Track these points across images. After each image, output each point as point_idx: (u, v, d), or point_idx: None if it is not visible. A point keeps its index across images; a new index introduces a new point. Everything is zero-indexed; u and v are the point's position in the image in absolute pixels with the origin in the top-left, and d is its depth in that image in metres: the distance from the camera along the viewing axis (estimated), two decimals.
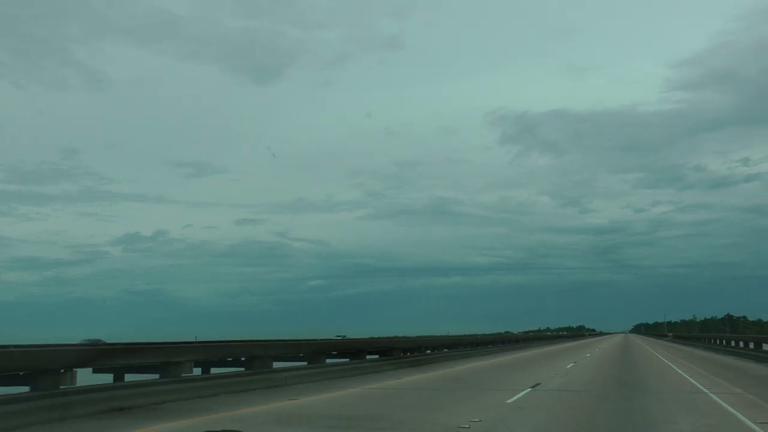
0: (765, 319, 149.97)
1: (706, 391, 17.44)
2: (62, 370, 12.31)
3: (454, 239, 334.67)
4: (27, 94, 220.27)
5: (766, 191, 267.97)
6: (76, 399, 11.80)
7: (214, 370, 17.74)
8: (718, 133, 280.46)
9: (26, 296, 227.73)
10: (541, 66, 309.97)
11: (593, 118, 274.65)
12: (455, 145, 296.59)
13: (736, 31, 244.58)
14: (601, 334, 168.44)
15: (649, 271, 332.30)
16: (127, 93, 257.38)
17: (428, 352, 34.52)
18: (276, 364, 19.10)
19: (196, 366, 16.45)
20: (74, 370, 12.61)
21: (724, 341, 53.31)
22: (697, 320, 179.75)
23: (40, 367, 11.78)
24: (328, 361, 22.74)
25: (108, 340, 28.93)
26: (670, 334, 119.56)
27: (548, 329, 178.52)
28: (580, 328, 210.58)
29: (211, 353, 17.67)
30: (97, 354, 14.34)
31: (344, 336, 42.24)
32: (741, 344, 43.59)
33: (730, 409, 13.54)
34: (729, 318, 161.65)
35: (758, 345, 38.99)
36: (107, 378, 14.44)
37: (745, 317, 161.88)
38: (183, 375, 15.10)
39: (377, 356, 27.41)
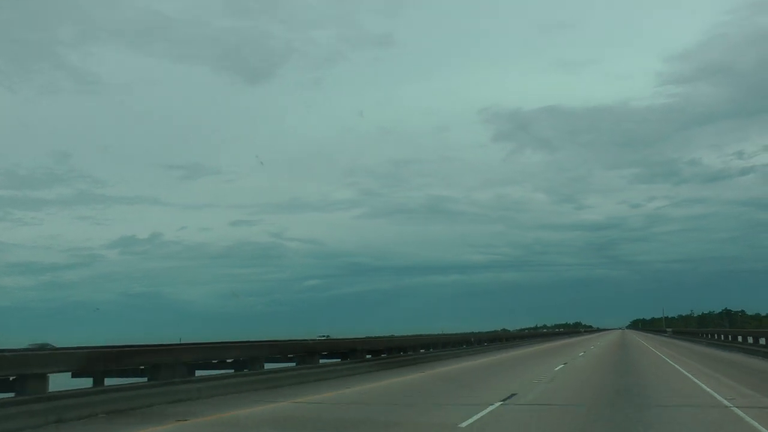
0: (763, 313, 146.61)
1: (727, 404, 13.53)
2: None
3: (451, 237, 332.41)
4: (19, 98, 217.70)
5: (761, 184, 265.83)
6: (70, 403, 11.83)
7: (199, 372, 17.56)
8: (712, 126, 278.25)
9: (22, 301, 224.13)
10: (533, 62, 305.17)
11: (587, 114, 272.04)
12: (449, 142, 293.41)
13: (730, 24, 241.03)
14: (598, 330, 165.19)
15: (646, 266, 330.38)
16: (120, 95, 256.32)
17: (422, 351, 33.22)
18: (267, 365, 19.02)
19: (188, 368, 16.28)
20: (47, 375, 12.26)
21: (722, 336, 51.59)
22: (695, 315, 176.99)
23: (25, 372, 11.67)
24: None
25: (104, 343, 25.67)
26: (669, 329, 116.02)
27: (545, 326, 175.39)
28: (577, 324, 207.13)
29: (201, 355, 17.56)
30: (86, 357, 13.83)
31: (327, 336, 40.76)
32: (750, 339, 39.64)
33: None
34: (727, 312, 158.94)
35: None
36: (87, 383, 13.95)
37: (743, 311, 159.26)
38: (174, 378, 14.93)
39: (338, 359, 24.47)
